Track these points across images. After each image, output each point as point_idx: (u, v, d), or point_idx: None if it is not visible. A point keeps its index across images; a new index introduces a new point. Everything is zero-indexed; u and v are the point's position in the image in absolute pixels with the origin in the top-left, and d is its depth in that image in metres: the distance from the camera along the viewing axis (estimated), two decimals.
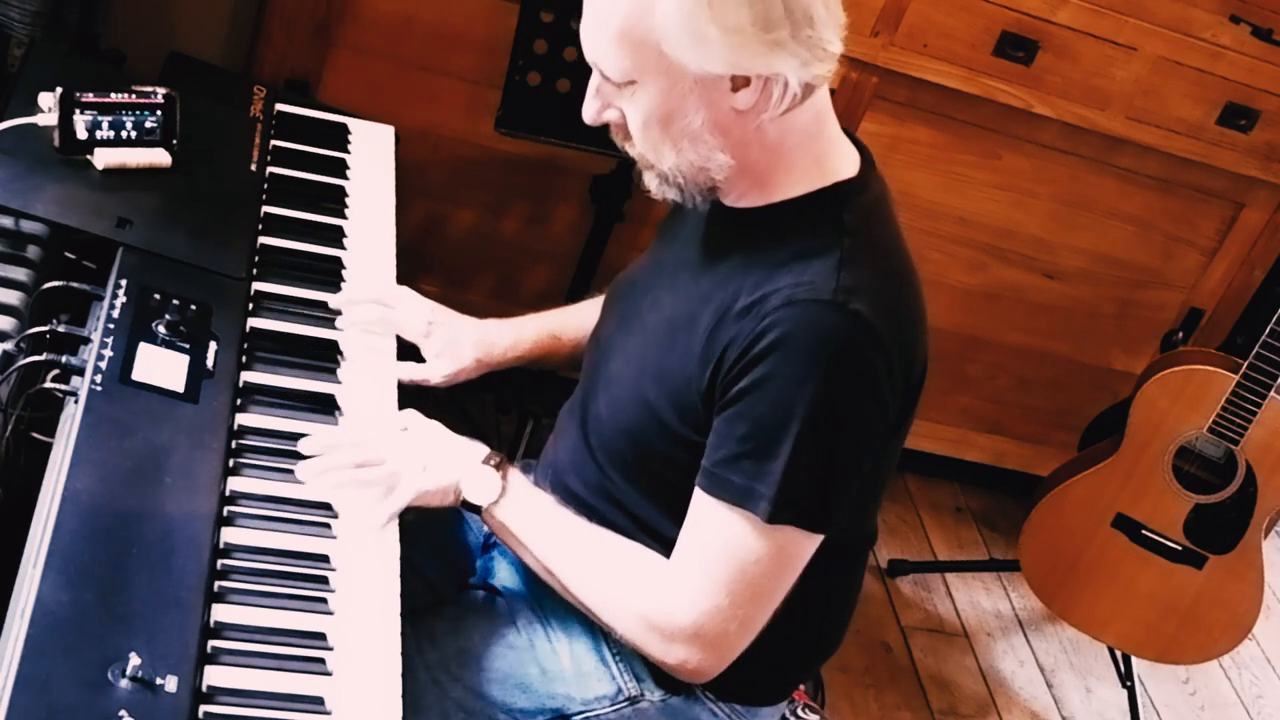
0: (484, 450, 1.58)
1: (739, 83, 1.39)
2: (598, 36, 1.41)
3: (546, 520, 1.57)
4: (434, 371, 1.79)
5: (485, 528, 1.63)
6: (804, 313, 1.40)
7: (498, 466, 1.56)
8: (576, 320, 1.87)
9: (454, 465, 1.56)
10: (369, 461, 1.52)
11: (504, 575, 1.73)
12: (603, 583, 1.54)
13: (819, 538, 1.47)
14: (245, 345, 1.64)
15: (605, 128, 1.50)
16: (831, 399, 1.41)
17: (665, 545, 1.56)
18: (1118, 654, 3.01)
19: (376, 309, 1.79)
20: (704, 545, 1.48)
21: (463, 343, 1.81)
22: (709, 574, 1.46)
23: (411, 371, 1.78)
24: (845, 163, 1.52)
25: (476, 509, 1.56)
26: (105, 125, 1.74)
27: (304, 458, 1.52)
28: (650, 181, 1.51)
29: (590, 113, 1.48)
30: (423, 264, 2.71)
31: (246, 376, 1.60)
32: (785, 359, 1.40)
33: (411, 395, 1.73)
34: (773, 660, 1.57)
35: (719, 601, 1.46)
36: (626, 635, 1.53)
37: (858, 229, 1.47)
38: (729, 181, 1.48)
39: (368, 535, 1.49)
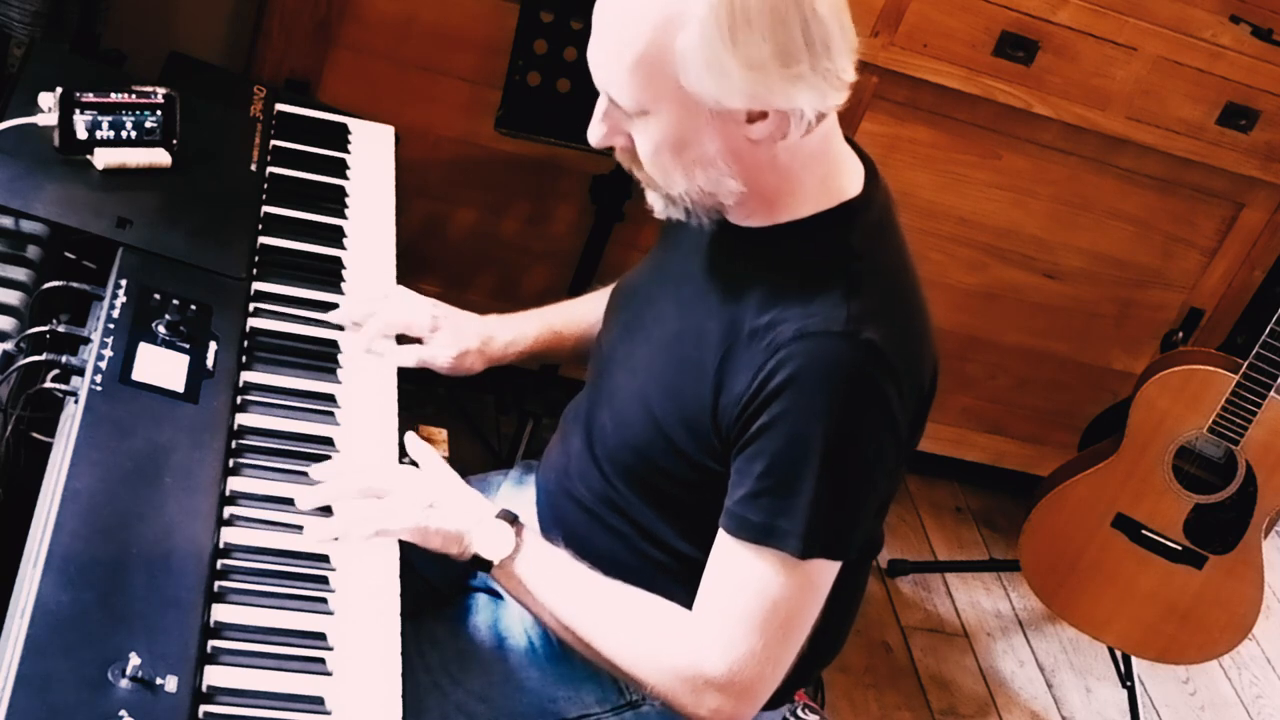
0: (495, 507, 1.55)
1: (755, 115, 1.37)
2: (611, 65, 1.37)
3: (563, 576, 1.53)
4: (439, 354, 1.78)
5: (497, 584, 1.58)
6: (816, 346, 1.39)
7: (512, 522, 1.53)
8: (578, 315, 1.87)
9: (463, 514, 1.52)
10: (373, 490, 1.50)
11: None
12: (627, 638, 1.51)
13: (840, 563, 1.47)
14: (245, 345, 1.64)
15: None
16: (848, 431, 1.40)
17: (668, 553, 1.57)
18: (1118, 654, 3.01)
19: (378, 323, 1.75)
20: (731, 588, 1.45)
21: (467, 335, 1.80)
22: (739, 618, 1.44)
23: (418, 353, 1.76)
24: (850, 180, 1.50)
25: (486, 566, 1.52)
26: (105, 125, 1.74)
27: (304, 457, 1.52)
28: (655, 202, 1.49)
29: (596, 137, 1.45)
30: (423, 264, 2.71)
31: (246, 376, 1.60)
32: (800, 394, 1.39)
33: (413, 394, 1.73)
34: None
35: (752, 645, 1.44)
36: (655, 690, 1.49)
37: (864, 251, 1.46)
38: (737, 204, 1.47)
39: (354, 546, 1.46)
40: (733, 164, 1.41)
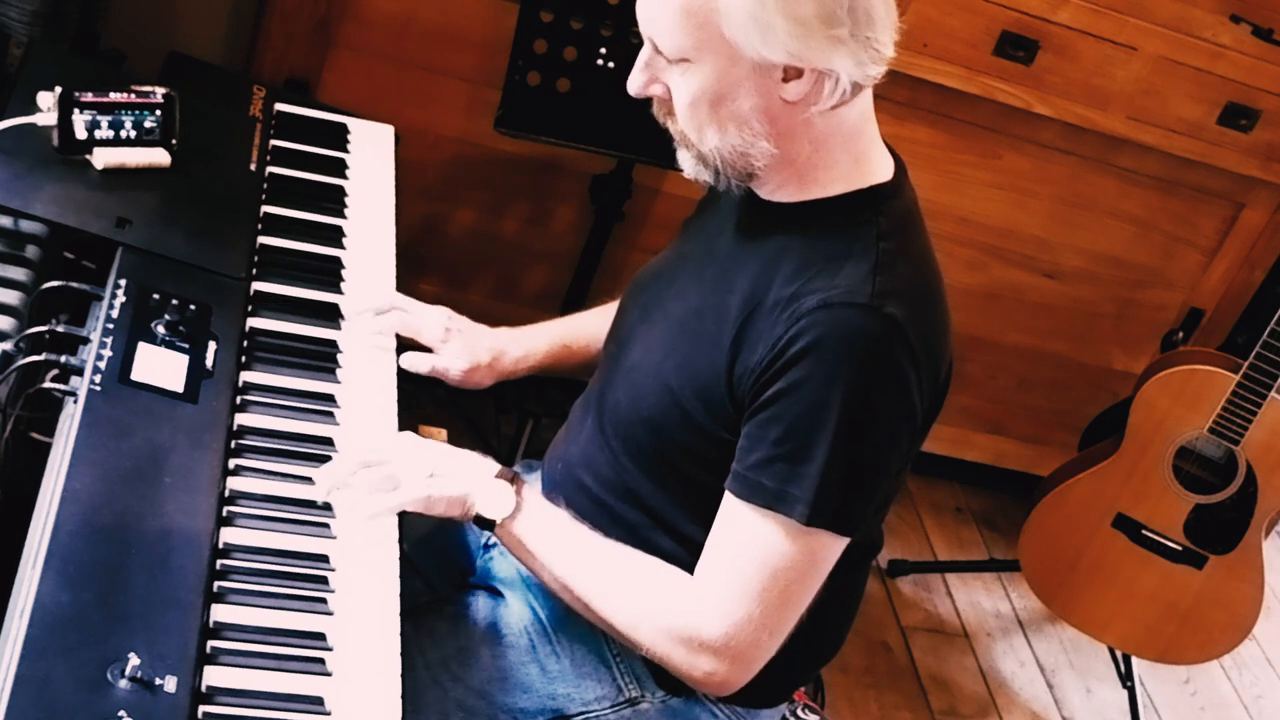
0: (495, 465, 1.56)
1: (791, 74, 1.39)
2: (659, 10, 1.40)
3: (564, 535, 1.54)
4: (452, 365, 1.78)
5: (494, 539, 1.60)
6: (840, 315, 1.40)
7: (512, 481, 1.54)
8: (587, 329, 1.87)
9: (463, 477, 1.54)
10: (373, 463, 1.51)
11: (504, 574, 1.73)
12: (625, 597, 1.51)
13: (846, 541, 1.47)
14: (245, 345, 1.64)
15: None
16: (866, 402, 1.41)
17: (680, 541, 1.56)
18: (1118, 654, 3.01)
19: (395, 314, 1.77)
20: (734, 551, 1.46)
21: (479, 349, 1.81)
22: (740, 581, 1.45)
23: (431, 361, 1.77)
24: (881, 167, 1.52)
25: (489, 524, 1.54)
26: (105, 125, 1.74)
27: (304, 458, 1.52)
28: (685, 162, 1.51)
29: (636, 85, 1.48)
30: (423, 264, 2.71)
31: (246, 376, 1.60)
32: (821, 362, 1.40)
33: (413, 394, 1.73)
34: (774, 664, 1.56)
35: (750, 610, 1.45)
36: (651, 650, 1.51)
37: (892, 234, 1.47)
38: (768, 171, 1.48)
39: (361, 526, 1.47)
40: (766, 124, 1.43)
